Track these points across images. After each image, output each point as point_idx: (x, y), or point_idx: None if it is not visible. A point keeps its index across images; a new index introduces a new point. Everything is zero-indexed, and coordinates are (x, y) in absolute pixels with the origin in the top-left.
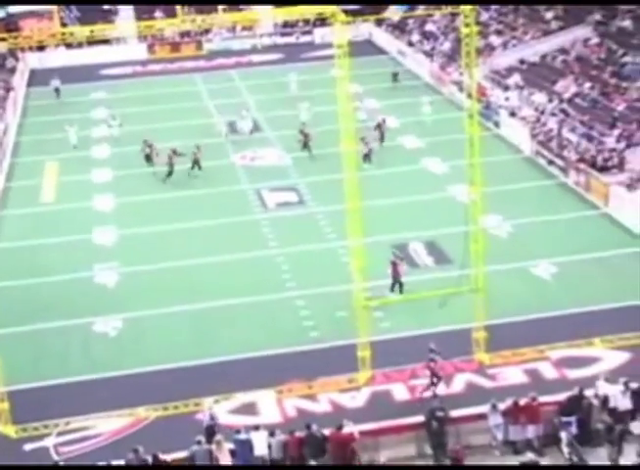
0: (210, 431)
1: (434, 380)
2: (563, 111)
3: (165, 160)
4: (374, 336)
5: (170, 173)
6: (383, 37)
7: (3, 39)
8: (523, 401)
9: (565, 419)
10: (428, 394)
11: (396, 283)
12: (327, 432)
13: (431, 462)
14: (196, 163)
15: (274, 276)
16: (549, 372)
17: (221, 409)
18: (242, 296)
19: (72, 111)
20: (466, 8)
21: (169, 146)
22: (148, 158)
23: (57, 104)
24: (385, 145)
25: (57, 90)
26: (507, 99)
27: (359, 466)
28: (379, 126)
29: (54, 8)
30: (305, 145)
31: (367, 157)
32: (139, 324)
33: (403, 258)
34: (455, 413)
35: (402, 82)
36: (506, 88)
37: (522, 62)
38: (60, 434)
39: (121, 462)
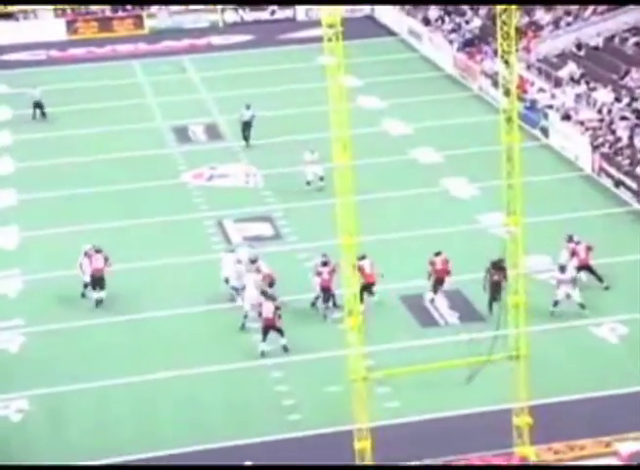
0: None
1: None
2: (636, 112)
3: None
4: (376, 420)
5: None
6: (389, 13)
7: None
8: None
9: None
10: None
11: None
12: None
13: None
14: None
15: (241, 338)
16: None
17: None
18: (198, 365)
19: None
20: None
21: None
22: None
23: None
24: (392, 159)
25: (38, 106)
26: (554, 96)
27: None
28: None
29: None
30: None
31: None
32: (54, 405)
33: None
34: None
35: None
36: (557, 82)
37: (579, 46)
38: None
39: None
